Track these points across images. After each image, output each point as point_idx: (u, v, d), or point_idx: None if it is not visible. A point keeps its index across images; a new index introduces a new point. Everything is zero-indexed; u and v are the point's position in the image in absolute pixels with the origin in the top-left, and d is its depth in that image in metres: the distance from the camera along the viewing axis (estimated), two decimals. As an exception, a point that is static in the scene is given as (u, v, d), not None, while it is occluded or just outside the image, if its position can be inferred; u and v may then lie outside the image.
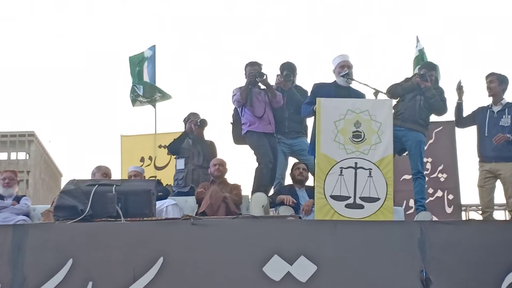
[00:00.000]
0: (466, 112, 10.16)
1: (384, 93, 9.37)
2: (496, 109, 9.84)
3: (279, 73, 10.50)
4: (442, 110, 9.84)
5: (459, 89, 10.03)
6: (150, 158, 13.82)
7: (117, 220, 6.94)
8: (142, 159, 13.77)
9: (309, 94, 9.74)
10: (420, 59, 13.13)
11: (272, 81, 10.21)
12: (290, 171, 10.03)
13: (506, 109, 9.74)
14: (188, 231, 6.70)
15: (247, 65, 10.06)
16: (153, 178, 11.13)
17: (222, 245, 6.63)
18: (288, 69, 10.37)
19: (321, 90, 9.50)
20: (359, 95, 9.44)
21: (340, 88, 9.61)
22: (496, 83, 9.83)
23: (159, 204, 8.93)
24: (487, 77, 9.90)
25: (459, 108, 10.12)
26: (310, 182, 9.65)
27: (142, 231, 6.76)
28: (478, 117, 9.99)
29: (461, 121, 10.20)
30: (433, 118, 10.12)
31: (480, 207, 13.60)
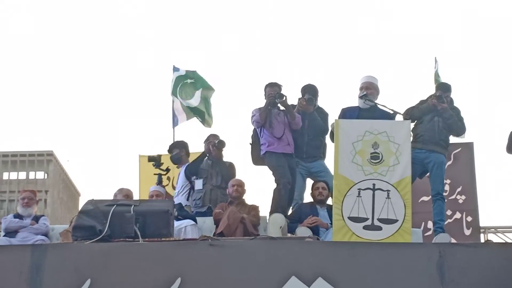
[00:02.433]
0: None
1: (402, 114, 9.38)
2: None
3: (300, 95, 10.46)
4: (460, 130, 9.81)
5: None
6: (168, 178, 13.82)
7: (135, 240, 6.95)
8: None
9: (335, 118, 9.72)
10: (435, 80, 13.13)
11: (291, 101, 10.19)
12: (310, 191, 10.00)
13: None
14: (206, 252, 6.71)
15: (266, 86, 10.07)
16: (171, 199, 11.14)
17: (240, 266, 6.63)
18: (310, 92, 10.33)
19: (346, 114, 9.57)
20: (384, 115, 9.40)
21: (363, 110, 9.65)
22: None
23: (177, 224, 8.96)
24: None
25: None
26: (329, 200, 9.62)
27: (160, 251, 6.77)
28: None
29: None
30: (452, 139, 10.09)
31: (503, 230, 13.60)
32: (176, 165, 11.42)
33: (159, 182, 10.66)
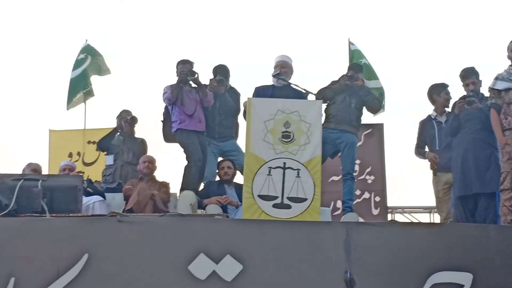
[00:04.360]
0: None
1: (314, 94, 9.44)
2: (442, 119, 9.92)
3: (212, 76, 10.40)
4: (377, 107, 9.98)
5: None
6: (79, 153, 13.68)
7: (42, 215, 6.84)
8: (70, 155, 13.62)
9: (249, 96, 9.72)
10: (356, 59, 13.21)
11: (204, 80, 10.15)
12: (217, 170, 10.02)
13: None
14: (114, 228, 6.64)
15: (178, 63, 9.99)
16: (81, 174, 11.04)
17: (148, 243, 6.59)
18: (221, 73, 10.31)
19: (260, 93, 9.59)
20: (297, 95, 9.45)
21: (277, 89, 9.70)
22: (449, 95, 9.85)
23: (85, 200, 8.87)
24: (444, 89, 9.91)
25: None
26: (240, 179, 9.65)
27: (68, 227, 6.66)
28: (425, 131, 10.06)
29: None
30: (363, 120, 10.20)
31: (409, 210, 13.89)
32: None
33: None
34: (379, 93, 12.88)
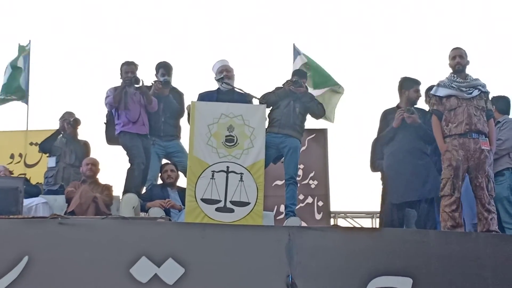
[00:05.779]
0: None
1: (258, 99, 9.47)
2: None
3: (155, 77, 10.34)
4: (320, 113, 9.96)
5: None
6: (21, 155, 13.53)
7: (-19, 217, 6.77)
8: (12, 156, 13.47)
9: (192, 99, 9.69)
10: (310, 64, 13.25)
11: (146, 82, 10.08)
12: (160, 174, 9.99)
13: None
14: (55, 230, 6.60)
15: (123, 65, 9.88)
16: (22, 176, 10.91)
17: (90, 246, 6.56)
18: (164, 69, 10.26)
19: (205, 98, 9.56)
20: (242, 99, 9.45)
21: (222, 93, 9.66)
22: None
23: (27, 202, 8.77)
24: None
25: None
26: (183, 182, 9.62)
27: (8, 229, 6.61)
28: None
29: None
30: (306, 125, 10.25)
31: (352, 215, 14.00)
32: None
33: None
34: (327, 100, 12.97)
